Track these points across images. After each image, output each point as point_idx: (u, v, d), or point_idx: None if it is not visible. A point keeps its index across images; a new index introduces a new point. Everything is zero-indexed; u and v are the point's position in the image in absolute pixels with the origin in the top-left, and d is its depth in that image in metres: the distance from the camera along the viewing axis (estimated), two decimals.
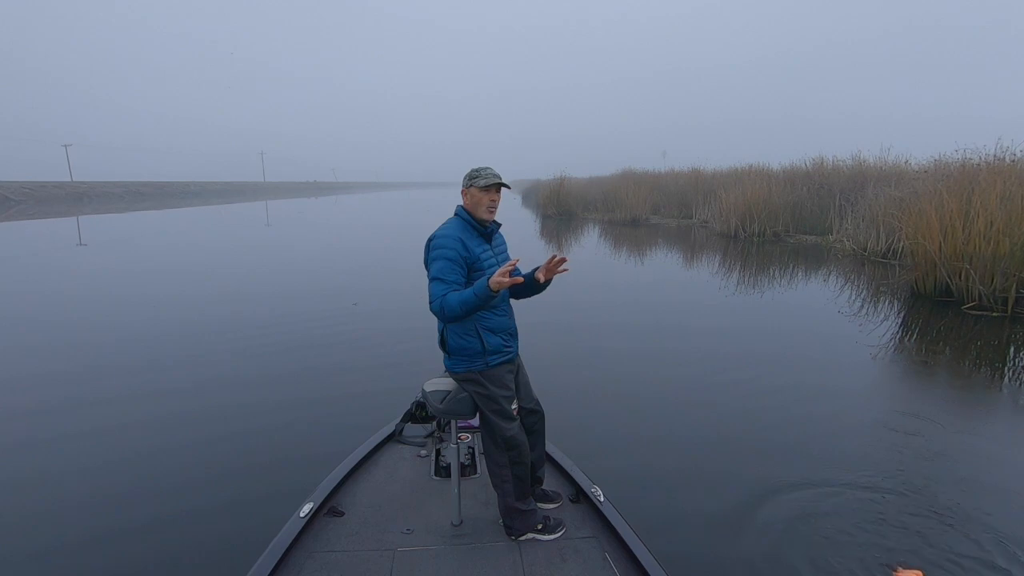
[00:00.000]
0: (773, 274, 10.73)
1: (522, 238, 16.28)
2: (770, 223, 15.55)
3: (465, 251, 2.14)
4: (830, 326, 6.94)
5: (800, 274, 10.73)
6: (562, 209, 24.30)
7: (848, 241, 12.71)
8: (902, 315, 7.38)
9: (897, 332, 6.60)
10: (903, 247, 10.77)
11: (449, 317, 2.08)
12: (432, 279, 2.13)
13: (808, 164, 17.90)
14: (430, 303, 2.12)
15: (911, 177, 12.05)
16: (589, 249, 14.85)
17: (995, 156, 9.29)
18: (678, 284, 10.12)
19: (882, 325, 6.82)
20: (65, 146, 77.13)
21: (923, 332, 6.70)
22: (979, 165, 8.54)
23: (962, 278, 7.32)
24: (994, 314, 6.94)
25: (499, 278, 1.98)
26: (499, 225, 2.36)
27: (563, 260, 2.18)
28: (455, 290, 2.10)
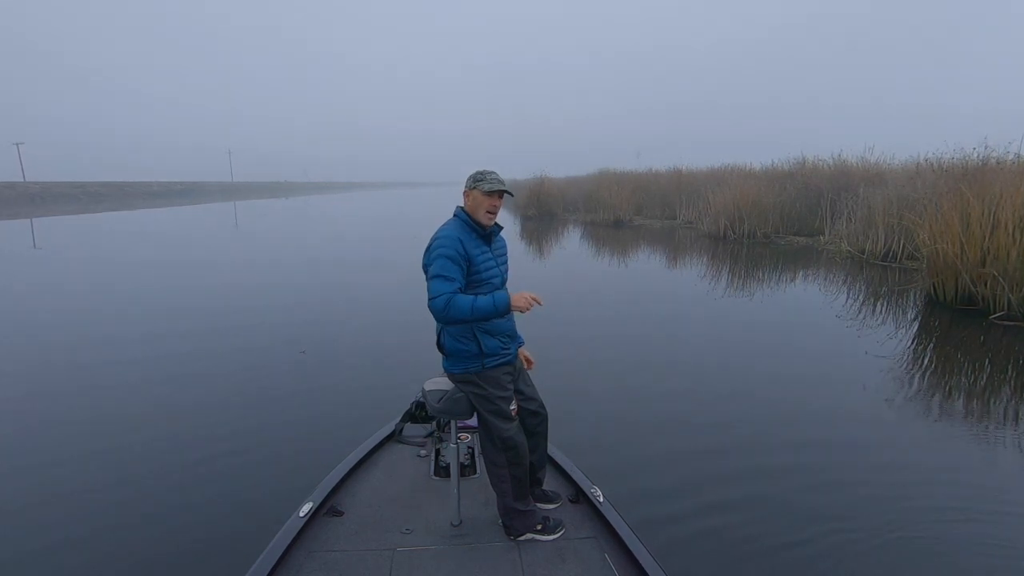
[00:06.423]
0: (769, 277, 10.31)
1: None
2: (760, 224, 15.13)
3: (464, 251, 2.12)
4: (835, 334, 6.46)
5: (797, 277, 10.33)
6: (543, 210, 23.85)
7: (844, 243, 12.27)
8: (917, 324, 6.88)
9: (912, 342, 6.11)
10: (903, 249, 10.40)
11: (453, 317, 2.03)
12: (433, 277, 2.08)
13: (789, 164, 17.74)
14: (431, 299, 2.05)
15: (907, 176, 11.69)
16: (577, 252, 14.38)
17: (985, 154, 8.87)
18: (674, 287, 9.68)
19: (896, 335, 6.31)
20: (16, 144, 73.21)
21: (944, 343, 6.21)
22: (999, 163, 8.08)
23: (987, 285, 6.79)
24: None
25: (524, 302, 2.07)
26: (500, 228, 2.34)
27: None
28: (460, 290, 2.07)
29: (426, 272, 2.15)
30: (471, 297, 2.06)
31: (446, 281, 2.05)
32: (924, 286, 7.87)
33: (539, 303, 2.11)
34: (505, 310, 2.07)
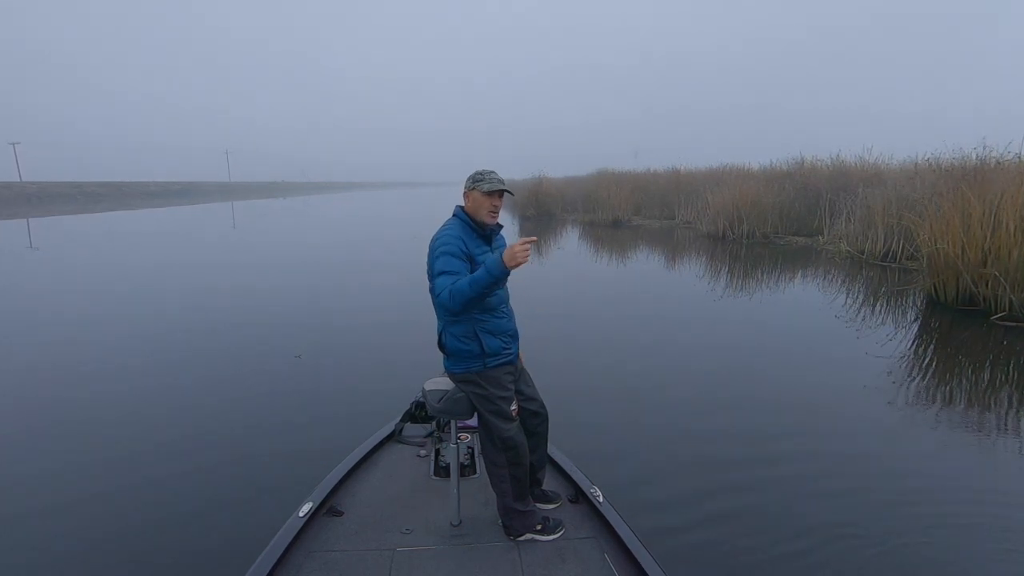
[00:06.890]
0: (768, 278, 10.28)
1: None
2: (759, 224, 15.10)
3: (466, 249, 2.12)
4: (835, 334, 6.43)
5: (796, 278, 10.30)
6: (542, 210, 23.82)
7: (844, 243, 12.26)
8: (917, 324, 6.85)
9: (913, 343, 6.07)
10: (903, 249, 10.38)
11: (460, 302, 1.99)
12: (437, 274, 2.07)
13: (788, 164, 17.73)
14: (437, 295, 2.04)
15: (906, 176, 11.67)
16: (576, 252, 14.34)
17: (984, 155, 8.83)
18: (673, 287, 9.63)
19: (896, 335, 6.28)
20: (13, 144, 72.92)
21: (945, 344, 6.18)
22: (1001, 164, 8.05)
23: (988, 286, 6.77)
24: None
25: (522, 255, 1.90)
26: (500, 227, 2.34)
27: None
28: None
29: (430, 273, 2.14)
30: (466, 277, 2.02)
31: (448, 276, 2.04)
32: (924, 286, 7.84)
33: (531, 242, 1.95)
34: (501, 271, 1.92)
